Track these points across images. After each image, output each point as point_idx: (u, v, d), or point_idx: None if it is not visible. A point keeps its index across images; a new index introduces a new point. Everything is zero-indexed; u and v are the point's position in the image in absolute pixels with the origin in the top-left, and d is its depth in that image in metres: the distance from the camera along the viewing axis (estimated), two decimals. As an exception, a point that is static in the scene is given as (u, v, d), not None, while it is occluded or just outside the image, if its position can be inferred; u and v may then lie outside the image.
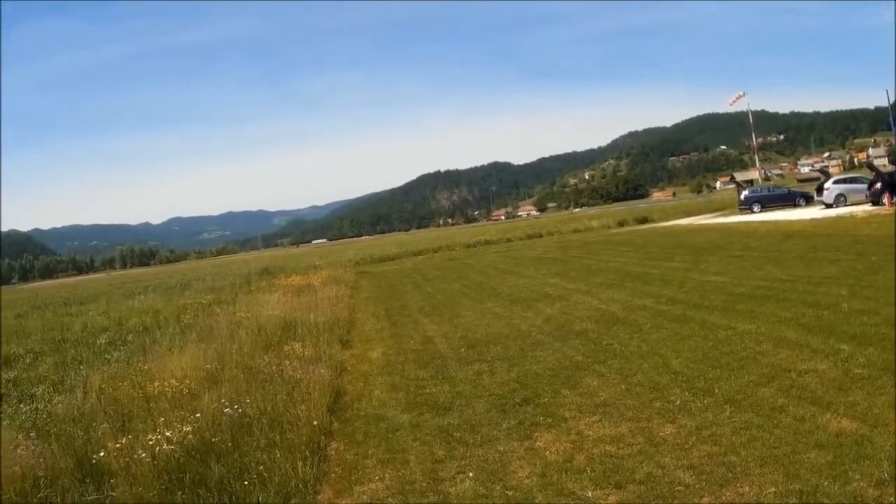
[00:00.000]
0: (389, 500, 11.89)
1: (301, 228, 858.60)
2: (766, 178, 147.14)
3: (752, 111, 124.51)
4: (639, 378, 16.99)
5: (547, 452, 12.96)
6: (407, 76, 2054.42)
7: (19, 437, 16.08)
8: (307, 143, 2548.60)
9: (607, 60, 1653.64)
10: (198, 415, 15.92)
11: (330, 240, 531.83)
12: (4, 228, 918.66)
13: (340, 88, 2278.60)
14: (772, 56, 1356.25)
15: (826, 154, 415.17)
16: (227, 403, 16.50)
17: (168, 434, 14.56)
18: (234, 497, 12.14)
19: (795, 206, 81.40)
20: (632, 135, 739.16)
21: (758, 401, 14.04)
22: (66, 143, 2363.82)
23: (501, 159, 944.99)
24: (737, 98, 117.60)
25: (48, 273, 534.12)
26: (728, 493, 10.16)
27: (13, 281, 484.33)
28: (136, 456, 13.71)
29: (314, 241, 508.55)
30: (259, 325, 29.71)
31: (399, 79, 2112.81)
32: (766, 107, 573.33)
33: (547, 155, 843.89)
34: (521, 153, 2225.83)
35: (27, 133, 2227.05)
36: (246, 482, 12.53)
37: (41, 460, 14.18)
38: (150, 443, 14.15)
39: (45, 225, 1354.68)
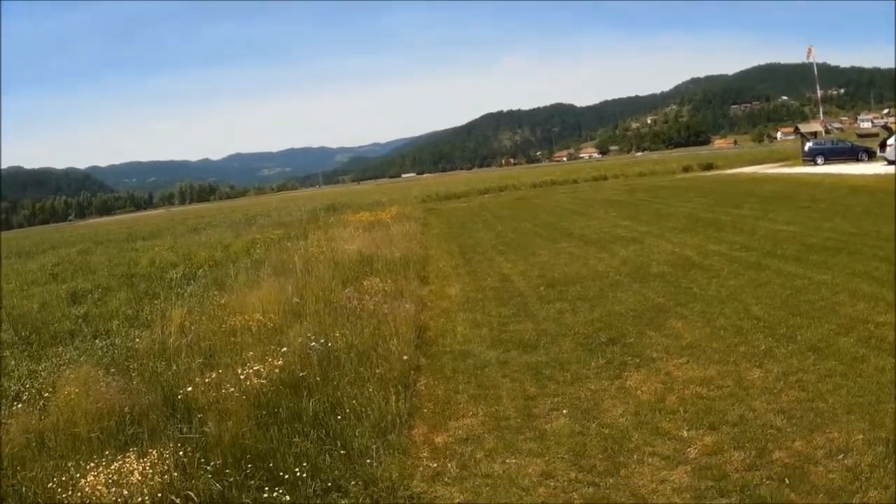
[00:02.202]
0: (486, 435, 12.00)
1: (362, 166, 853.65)
2: (827, 132, 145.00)
3: (815, 63, 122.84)
4: (721, 322, 17.04)
5: (638, 392, 13.11)
6: (475, 16, 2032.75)
7: (99, 372, 16.14)
8: (371, 81, 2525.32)
9: (671, 5, 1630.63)
10: (284, 349, 16.06)
11: (391, 177, 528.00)
12: (61, 166, 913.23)
13: (407, 27, 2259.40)
14: (835, 9, 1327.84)
15: (885, 111, 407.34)
16: (312, 337, 16.62)
17: (258, 368, 14.77)
18: (330, 432, 12.25)
19: (858, 160, 79.84)
20: (694, 81, 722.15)
21: (839, 350, 14.02)
22: (124, 80, 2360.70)
23: (564, 101, 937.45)
24: (810, 52, 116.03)
25: (106, 210, 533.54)
26: (818, 438, 10.27)
27: (70, 217, 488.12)
28: (224, 391, 13.89)
29: (379, 180, 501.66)
30: (335, 260, 30.00)
31: (467, 19, 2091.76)
32: (827, 59, 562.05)
33: (610, 98, 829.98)
34: (583, 96, 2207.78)
35: (86, 70, 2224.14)
36: (340, 417, 12.70)
37: (126, 396, 14.27)
38: (242, 377, 14.33)
39: (103, 162, 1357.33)
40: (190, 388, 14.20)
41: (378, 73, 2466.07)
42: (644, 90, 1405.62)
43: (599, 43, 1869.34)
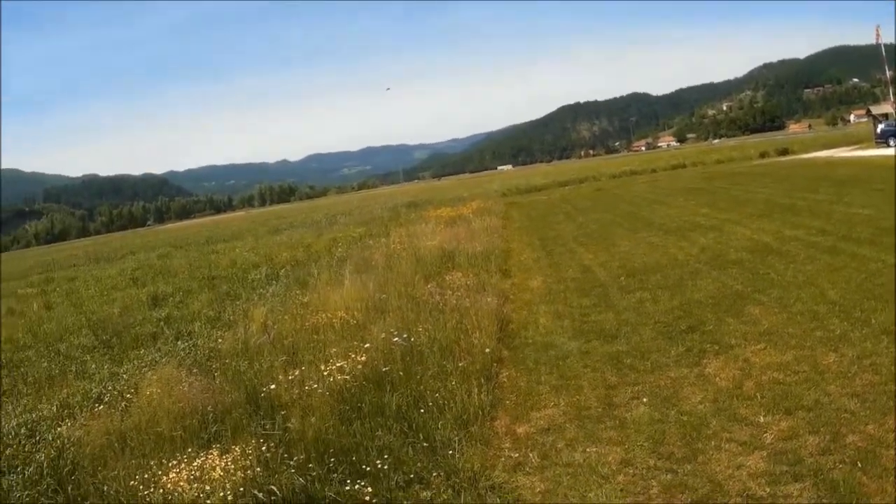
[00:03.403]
0: (567, 425, 12.08)
1: (441, 161, 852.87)
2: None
3: (883, 44, 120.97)
4: (798, 307, 16.92)
5: (717, 379, 13.14)
6: (551, 9, 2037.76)
7: (181, 373, 16.52)
8: (447, 77, 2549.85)
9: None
10: (367, 345, 16.22)
11: (471, 172, 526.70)
12: (137, 172, 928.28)
13: (480, 21, 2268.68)
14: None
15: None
16: (395, 333, 16.82)
17: (341, 364, 14.97)
18: (413, 425, 12.35)
19: (930, 140, 78.58)
20: (767, 66, 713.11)
21: (914, 334, 13.78)
22: (200, 84, 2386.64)
23: (640, 90, 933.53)
24: (878, 32, 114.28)
25: (185, 214, 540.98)
26: (891, 422, 10.16)
27: (149, 222, 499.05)
28: (307, 387, 14.11)
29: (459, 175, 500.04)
30: (417, 256, 30.11)
31: (542, 11, 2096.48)
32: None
33: (684, 86, 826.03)
34: (658, 84, 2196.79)
35: (161, 76, 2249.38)
36: (423, 410, 12.83)
37: (208, 395, 14.54)
38: (325, 373, 14.57)
39: (180, 167, 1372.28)
40: (273, 386, 14.47)
41: (454, 69, 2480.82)
42: (718, 77, 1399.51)
43: (672, 31, 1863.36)
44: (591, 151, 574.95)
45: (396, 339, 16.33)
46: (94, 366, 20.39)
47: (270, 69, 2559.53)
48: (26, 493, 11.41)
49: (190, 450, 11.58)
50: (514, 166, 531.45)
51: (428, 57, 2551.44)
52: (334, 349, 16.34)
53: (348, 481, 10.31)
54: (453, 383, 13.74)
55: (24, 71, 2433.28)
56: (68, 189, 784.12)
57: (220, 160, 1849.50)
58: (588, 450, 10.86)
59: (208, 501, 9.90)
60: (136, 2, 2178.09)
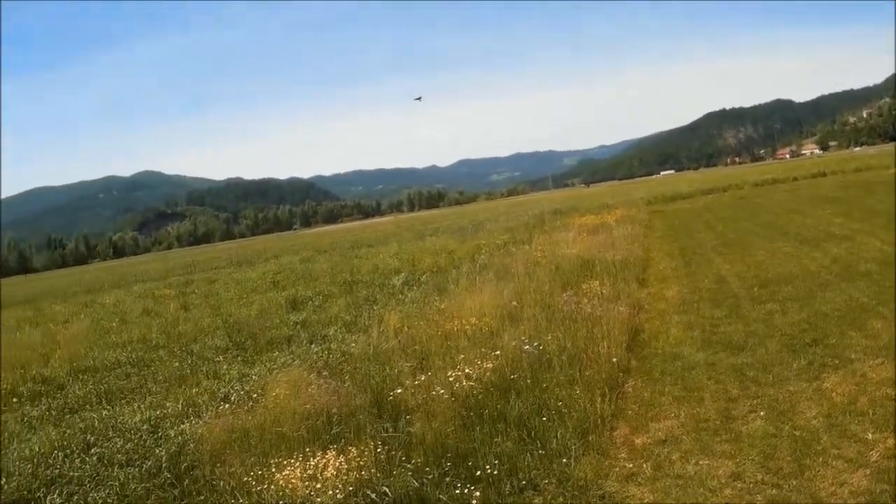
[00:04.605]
0: (684, 437, 12.17)
1: (590, 168, 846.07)
2: None
3: None
4: (920, 321, 16.61)
5: (833, 394, 13.06)
6: (698, 9, 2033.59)
7: (310, 376, 16.81)
8: (595, 82, 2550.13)
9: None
10: (497, 352, 16.41)
11: (619, 179, 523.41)
12: (283, 176, 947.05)
13: (628, 24, 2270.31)
14: None
15: None
16: (525, 341, 16.90)
17: (468, 371, 15.20)
18: (532, 432, 12.51)
19: None
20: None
21: None
22: (348, 87, 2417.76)
23: (783, 97, 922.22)
24: None
25: (332, 218, 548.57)
26: None
27: (294, 226, 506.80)
28: (433, 392, 14.33)
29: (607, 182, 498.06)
30: (556, 264, 30.07)
31: (689, 13, 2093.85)
32: None
33: (826, 92, 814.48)
34: (801, 90, 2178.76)
35: (308, 79, 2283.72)
36: (545, 418, 12.96)
37: (335, 397, 14.77)
38: (450, 379, 14.82)
39: (327, 171, 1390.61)
40: (400, 390, 14.78)
41: (601, 74, 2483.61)
42: (857, 83, 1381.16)
43: (811, 35, 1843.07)
44: (736, 159, 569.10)
45: (527, 346, 16.44)
46: (225, 366, 21.03)
47: (420, 73, 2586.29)
48: (142, 485, 11.88)
49: (308, 449, 11.92)
50: (675, 171, 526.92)
51: (582, 60, 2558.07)
52: (463, 356, 16.53)
53: (459, 485, 10.54)
54: (578, 392, 13.87)
55: (165, 73, 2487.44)
56: (212, 192, 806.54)
57: (369, 165, 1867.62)
58: (700, 462, 10.98)
59: (318, 499, 10.23)
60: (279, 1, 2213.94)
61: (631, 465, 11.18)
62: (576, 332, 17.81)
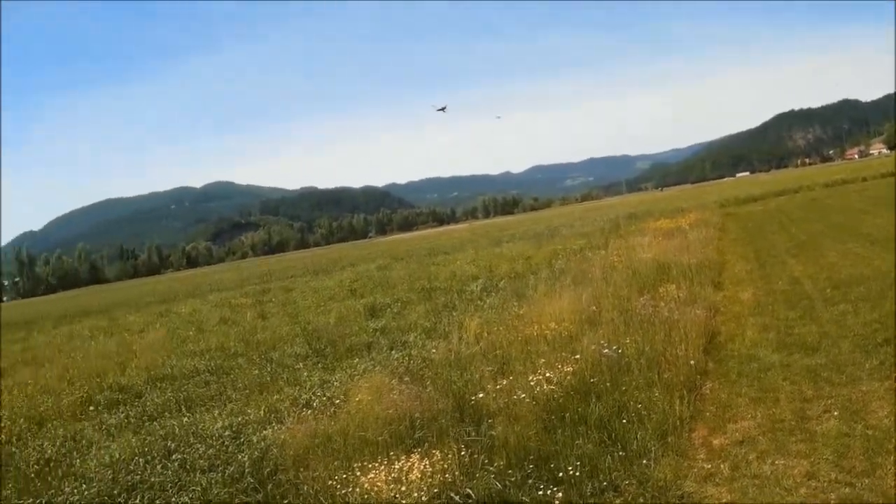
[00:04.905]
0: (760, 437, 12.27)
1: (663, 171, 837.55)
2: None
3: None
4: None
5: (905, 392, 13.24)
6: (761, 9, 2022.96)
7: (392, 381, 17.09)
8: (669, 85, 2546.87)
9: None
10: (577, 356, 16.62)
11: (692, 182, 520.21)
12: (357, 185, 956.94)
13: (696, 23, 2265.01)
14: None
15: None
16: (605, 344, 17.14)
17: (548, 374, 15.45)
18: (612, 434, 12.70)
19: None
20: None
21: None
22: (420, 96, 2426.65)
23: (850, 97, 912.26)
24: None
25: (407, 225, 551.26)
26: None
27: (370, 234, 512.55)
28: (515, 396, 14.54)
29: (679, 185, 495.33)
30: (633, 269, 30.27)
31: (754, 14, 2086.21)
32: None
33: (891, 91, 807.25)
34: (867, 90, 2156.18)
35: (384, 92, 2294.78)
36: (625, 420, 13.16)
37: (417, 402, 15.00)
38: (531, 383, 15.03)
39: (402, 179, 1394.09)
40: (481, 395, 15.00)
41: (672, 77, 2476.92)
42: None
43: (876, 34, 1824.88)
44: (806, 160, 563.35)
45: (606, 350, 16.66)
46: (305, 373, 21.19)
47: (494, 80, 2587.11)
48: (225, 489, 12.18)
49: (392, 453, 12.15)
50: (750, 173, 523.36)
51: (658, 63, 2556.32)
52: (543, 360, 16.76)
53: (542, 486, 10.70)
54: (656, 394, 14.06)
55: (236, 84, 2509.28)
56: (285, 201, 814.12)
57: (443, 172, 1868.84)
58: (776, 462, 11.11)
59: (403, 502, 10.43)
60: (353, 2, 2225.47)
61: (709, 466, 11.36)
62: (654, 336, 18.05)
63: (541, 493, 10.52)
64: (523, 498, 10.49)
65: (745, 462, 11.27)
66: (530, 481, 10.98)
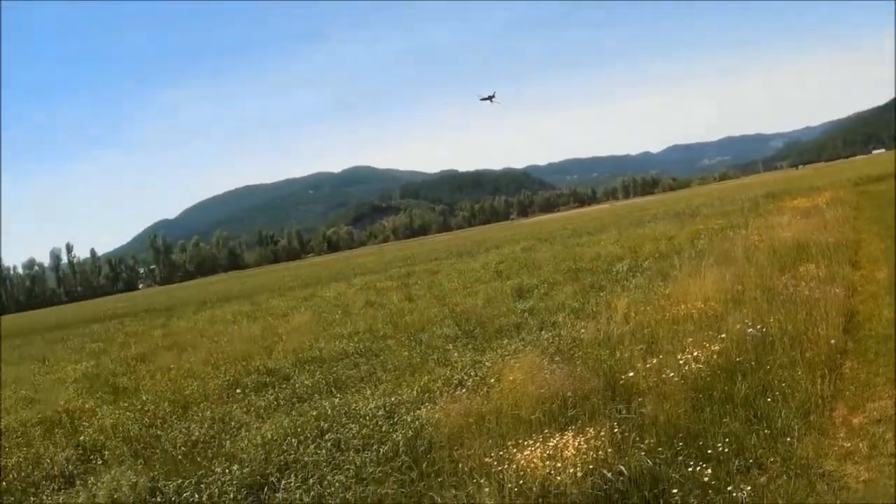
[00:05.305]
0: (896, 417, 12.59)
1: (797, 149, 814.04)
2: None
3: None
4: None
5: None
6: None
7: (543, 361, 17.26)
8: (809, 58, 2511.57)
9: None
10: (723, 335, 16.73)
11: (826, 161, 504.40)
12: (497, 167, 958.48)
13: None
14: None
15: None
16: (749, 323, 17.24)
17: (696, 354, 15.60)
18: (758, 413, 12.87)
19: None
20: None
21: None
22: (557, 76, 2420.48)
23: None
24: None
25: (548, 207, 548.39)
26: None
27: (512, 216, 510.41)
28: (664, 375, 14.78)
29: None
30: (773, 248, 30.30)
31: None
32: None
33: None
34: None
35: (521, 76, 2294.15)
36: (769, 399, 13.30)
37: (569, 381, 15.22)
38: (680, 362, 15.25)
39: (542, 161, 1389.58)
40: (631, 374, 15.21)
41: (811, 49, 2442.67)
42: None
43: None
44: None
45: (750, 329, 16.78)
46: (456, 354, 21.42)
47: (628, 60, 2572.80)
48: (380, 468, 12.51)
49: (546, 431, 12.46)
50: (885, 150, 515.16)
51: (794, 38, 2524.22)
52: (690, 339, 16.97)
53: (691, 464, 10.91)
54: (799, 373, 14.17)
55: (375, 69, 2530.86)
56: (426, 184, 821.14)
57: (584, 153, 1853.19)
58: (913, 441, 11.24)
59: (559, 478, 10.70)
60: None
61: (849, 445, 11.48)
62: (795, 315, 18.09)
63: (690, 469, 10.71)
64: (673, 475, 10.69)
65: (883, 441, 11.34)
66: (680, 458, 11.21)
